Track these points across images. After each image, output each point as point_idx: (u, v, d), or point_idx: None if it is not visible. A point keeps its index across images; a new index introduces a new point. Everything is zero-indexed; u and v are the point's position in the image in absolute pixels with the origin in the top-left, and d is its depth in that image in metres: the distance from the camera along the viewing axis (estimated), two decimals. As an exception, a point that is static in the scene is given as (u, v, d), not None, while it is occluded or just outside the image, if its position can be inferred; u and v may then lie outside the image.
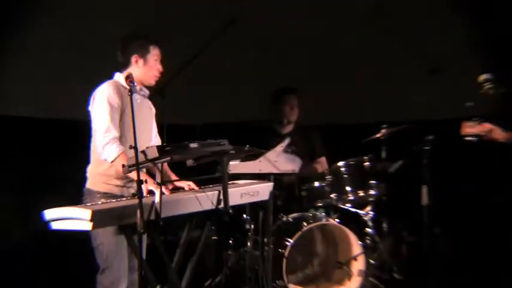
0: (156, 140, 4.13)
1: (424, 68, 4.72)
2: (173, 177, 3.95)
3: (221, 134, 3.73)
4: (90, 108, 3.79)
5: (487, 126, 4.44)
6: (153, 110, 4.14)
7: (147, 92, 4.01)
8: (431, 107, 4.69)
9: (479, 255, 5.49)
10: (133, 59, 3.87)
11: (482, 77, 4.37)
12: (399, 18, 5.10)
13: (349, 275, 5.11)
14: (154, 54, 3.91)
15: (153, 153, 3.35)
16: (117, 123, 3.72)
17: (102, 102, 3.72)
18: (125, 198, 3.66)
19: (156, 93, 5.07)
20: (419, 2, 6.01)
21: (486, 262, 5.41)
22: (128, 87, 3.55)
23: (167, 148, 3.41)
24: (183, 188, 3.87)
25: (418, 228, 5.03)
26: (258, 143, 4.77)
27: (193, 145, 3.49)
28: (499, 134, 4.43)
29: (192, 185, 3.85)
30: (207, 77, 6.22)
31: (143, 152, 3.35)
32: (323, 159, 5.72)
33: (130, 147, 3.29)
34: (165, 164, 3.88)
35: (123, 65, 3.91)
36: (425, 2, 6.05)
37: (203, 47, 5.32)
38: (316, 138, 5.75)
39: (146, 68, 3.89)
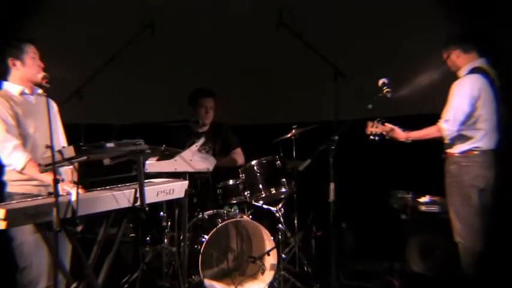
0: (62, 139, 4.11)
1: (331, 72, 4.78)
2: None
3: (138, 134, 3.69)
4: None
5: (389, 126, 4.59)
6: (55, 107, 4.09)
7: (38, 90, 3.93)
8: (338, 108, 4.76)
9: (379, 245, 5.58)
10: (10, 62, 3.80)
11: (381, 81, 4.49)
12: (310, 26, 5.18)
13: (262, 269, 5.15)
14: (30, 52, 3.83)
15: (70, 153, 3.30)
16: (14, 132, 3.69)
17: None
18: (41, 197, 3.57)
19: (74, 94, 5.00)
20: (329, 10, 6.16)
21: (386, 252, 5.55)
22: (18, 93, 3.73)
23: (84, 147, 3.37)
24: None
25: (326, 223, 5.09)
26: (174, 143, 4.79)
27: (109, 145, 3.46)
28: (399, 134, 4.60)
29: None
30: (127, 78, 6.16)
31: (59, 151, 3.30)
32: (239, 150, 5.74)
33: (47, 146, 3.25)
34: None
35: (4, 72, 3.84)
36: (336, 11, 6.22)
37: (120, 50, 5.25)
38: (228, 133, 5.77)
39: (26, 68, 3.82)
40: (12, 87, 3.82)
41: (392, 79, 4.57)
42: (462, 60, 4.61)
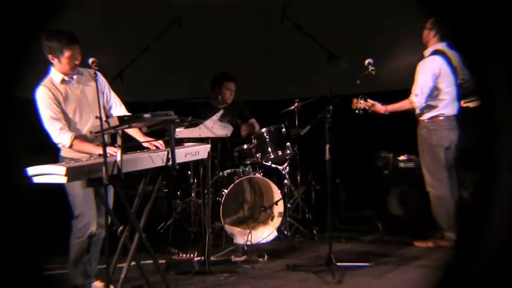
0: (113, 100, 4.04)
1: (325, 55, 4.82)
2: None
3: (169, 108, 3.74)
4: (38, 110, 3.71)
5: (370, 102, 4.64)
6: (101, 79, 3.93)
7: (81, 72, 3.84)
8: (331, 85, 4.80)
9: (366, 196, 5.70)
10: (49, 57, 3.72)
11: (367, 61, 4.53)
12: (306, 16, 5.20)
13: (271, 217, 5.22)
14: (66, 53, 3.67)
15: (115, 122, 3.39)
16: (58, 116, 3.67)
17: (40, 106, 3.67)
18: (92, 158, 3.65)
19: (116, 77, 5.10)
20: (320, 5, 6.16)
21: (372, 201, 5.65)
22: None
23: (126, 118, 3.45)
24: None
25: (323, 179, 5.14)
26: (198, 115, 4.84)
27: (146, 115, 3.52)
28: (379, 107, 4.66)
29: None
30: (158, 63, 6.20)
31: (106, 121, 3.38)
32: (254, 120, 5.74)
33: (96, 117, 3.30)
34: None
35: (48, 61, 3.77)
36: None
37: (153, 40, 5.32)
38: (244, 107, 5.78)
39: (62, 65, 3.72)
40: (56, 74, 3.75)
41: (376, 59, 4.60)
42: (432, 41, 4.67)
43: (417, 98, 4.55)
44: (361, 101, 4.60)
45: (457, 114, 4.62)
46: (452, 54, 4.61)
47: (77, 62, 3.74)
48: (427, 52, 4.66)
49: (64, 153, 3.80)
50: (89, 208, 3.77)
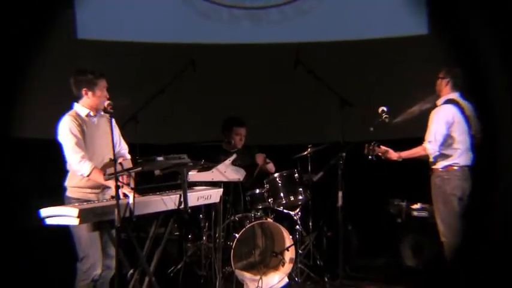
0: (122, 145, 4.12)
1: (338, 101, 4.86)
2: None
3: (182, 151, 3.78)
4: (58, 138, 3.80)
5: (383, 148, 4.62)
6: (115, 124, 4.00)
7: (102, 114, 3.93)
8: (344, 131, 4.83)
9: (379, 244, 5.63)
10: (83, 91, 3.85)
11: (380, 109, 4.54)
12: (317, 63, 5.25)
13: (282, 262, 5.13)
14: (101, 85, 3.87)
15: (128, 164, 3.41)
16: (81, 145, 3.75)
17: (65, 133, 3.75)
18: (104, 201, 3.66)
19: (131, 119, 5.14)
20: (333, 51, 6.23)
21: (384, 249, 5.56)
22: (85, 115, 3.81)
23: (139, 160, 3.46)
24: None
25: (335, 225, 5.10)
26: (210, 159, 4.83)
27: (159, 158, 3.54)
28: (392, 154, 4.61)
29: None
30: (172, 106, 6.25)
31: (120, 163, 3.40)
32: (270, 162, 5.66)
33: (110, 159, 3.34)
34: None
35: (77, 97, 3.90)
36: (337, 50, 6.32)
37: (168, 82, 5.37)
38: (256, 152, 5.70)
39: (95, 98, 3.86)
40: (81, 109, 3.86)
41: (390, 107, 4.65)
42: (444, 90, 4.68)
43: (430, 145, 4.52)
44: (374, 147, 4.56)
45: (471, 165, 4.57)
46: (465, 104, 4.60)
47: (107, 96, 3.87)
48: (440, 101, 4.66)
49: (70, 193, 3.82)
50: (94, 250, 3.76)
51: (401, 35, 6.11)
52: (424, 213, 5.22)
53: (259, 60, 6.47)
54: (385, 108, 4.57)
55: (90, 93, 3.85)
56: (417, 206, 5.30)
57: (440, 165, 4.58)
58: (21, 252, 4.84)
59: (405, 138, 5.01)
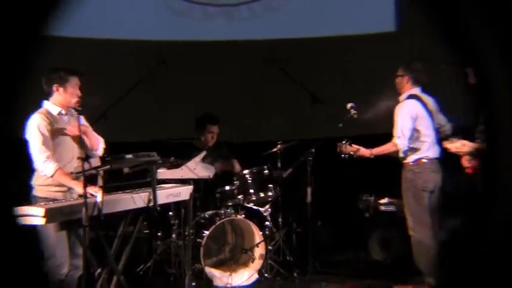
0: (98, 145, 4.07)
1: (308, 98, 4.88)
2: None
3: (153, 149, 3.76)
4: (26, 135, 3.73)
5: (355, 147, 4.63)
6: (84, 121, 3.98)
7: (73, 112, 3.90)
8: (314, 128, 4.86)
9: (347, 239, 5.68)
10: (54, 88, 3.82)
11: (349, 105, 4.58)
12: (288, 61, 5.27)
13: (252, 259, 5.15)
14: (72, 82, 3.84)
15: (97, 162, 3.38)
16: (48, 145, 3.69)
17: (33, 131, 3.70)
18: (72, 200, 3.62)
19: (101, 117, 5.09)
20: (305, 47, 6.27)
21: (353, 244, 5.61)
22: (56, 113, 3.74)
23: (107, 158, 3.45)
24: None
25: (305, 221, 5.13)
26: (181, 156, 4.81)
27: (128, 156, 3.53)
28: (364, 152, 4.65)
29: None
30: (142, 104, 6.22)
31: (88, 161, 3.37)
32: (235, 161, 5.70)
33: (78, 158, 3.31)
34: None
35: (48, 94, 3.85)
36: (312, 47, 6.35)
37: (138, 80, 5.34)
38: (226, 149, 5.77)
39: (66, 94, 3.82)
40: (52, 107, 3.82)
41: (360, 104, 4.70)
42: (405, 86, 4.72)
43: (400, 140, 4.58)
44: (346, 146, 4.58)
45: (440, 157, 4.64)
46: (427, 98, 4.67)
47: (79, 94, 3.83)
48: (402, 97, 4.72)
49: (37, 192, 3.77)
50: (61, 250, 3.72)
51: (370, 32, 6.16)
52: (391, 208, 5.27)
53: (230, 58, 6.45)
54: (353, 105, 4.61)
55: (61, 89, 3.81)
56: (385, 200, 5.34)
57: (410, 159, 4.62)
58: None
59: (375, 134, 5.07)
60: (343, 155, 4.62)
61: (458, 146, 4.15)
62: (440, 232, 4.63)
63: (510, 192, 2.72)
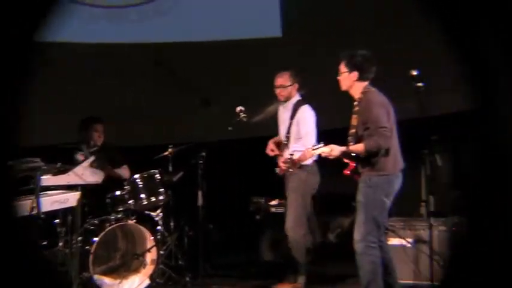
0: None
1: (198, 101, 4.91)
2: None
3: (37, 154, 3.64)
4: None
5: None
6: None
7: None
8: (205, 131, 4.90)
9: (239, 241, 5.79)
10: None
11: (238, 108, 4.67)
12: (178, 64, 5.27)
13: (144, 264, 5.08)
14: None
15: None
16: None
17: None
18: None
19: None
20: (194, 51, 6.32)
21: (245, 246, 5.71)
22: None
23: (-15, 165, 3.27)
24: None
25: (196, 224, 5.16)
26: (68, 161, 4.68)
27: (10, 162, 3.36)
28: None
29: None
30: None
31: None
32: (125, 167, 5.62)
33: None
34: None
35: None
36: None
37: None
38: (116, 152, 5.66)
39: None
40: None
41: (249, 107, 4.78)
42: (293, 93, 4.88)
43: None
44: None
45: (317, 160, 4.75)
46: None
47: None
48: (289, 103, 4.86)
49: None
50: None
51: (257, 37, 6.28)
52: (281, 209, 5.36)
53: (120, 60, 6.36)
54: (242, 108, 4.69)
55: None
56: (275, 202, 5.46)
57: (308, 160, 4.68)
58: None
59: (264, 137, 5.16)
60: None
61: (327, 150, 3.92)
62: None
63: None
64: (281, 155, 4.87)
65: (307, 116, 4.83)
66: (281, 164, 4.80)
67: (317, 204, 4.86)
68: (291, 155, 4.61)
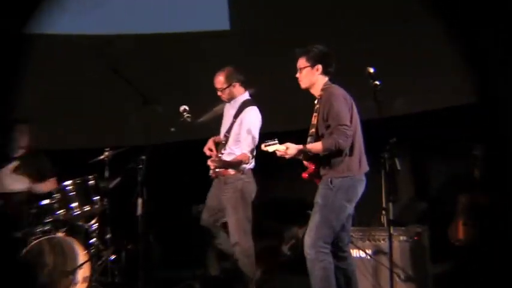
0: None
1: (140, 99, 4.58)
2: None
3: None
4: None
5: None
6: None
7: None
8: (146, 132, 4.59)
9: (184, 255, 5.49)
10: None
11: (182, 107, 4.39)
12: (118, 58, 5.01)
13: (74, 283, 4.72)
14: None
15: None
16: None
17: None
18: None
19: None
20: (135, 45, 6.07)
21: (190, 260, 5.38)
22: None
23: None
24: None
25: (135, 236, 4.81)
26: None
27: None
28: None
29: None
30: None
31: None
32: (54, 180, 5.19)
33: None
34: None
35: None
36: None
37: None
38: (43, 160, 5.26)
39: None
40: None
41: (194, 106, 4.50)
42: (238, 93, 4.63)
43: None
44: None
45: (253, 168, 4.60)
46: None
47: None
48: (237, 101, 4.64)
49: None
50: None
51: (204, 30, 6.14)
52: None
53: (54, 52, 5.99)
54: (186, 107, 4.44)
55: None
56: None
57: (242, 168, 4.50)
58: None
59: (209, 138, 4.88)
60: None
61: (282, 148, 3.65)
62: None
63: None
64: (217, 156, 4.56)
65: (252, 118, 4.56)
66: (209, 163, 4.51)
67: (270, 213, 4.59)
68: (222, 154, 4.46)
